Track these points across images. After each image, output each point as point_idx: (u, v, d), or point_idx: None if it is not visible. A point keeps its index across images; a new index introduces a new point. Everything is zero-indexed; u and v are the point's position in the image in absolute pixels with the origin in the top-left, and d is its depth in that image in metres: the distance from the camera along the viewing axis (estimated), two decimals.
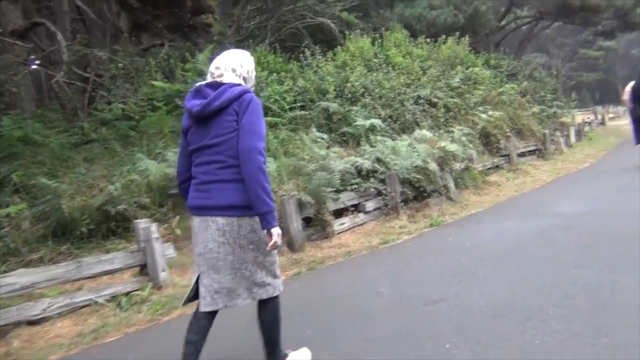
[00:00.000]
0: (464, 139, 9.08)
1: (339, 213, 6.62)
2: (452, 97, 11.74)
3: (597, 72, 59.14)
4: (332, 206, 6.34)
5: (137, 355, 3.40)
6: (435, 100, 11.17)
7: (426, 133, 9.00)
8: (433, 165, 7.55)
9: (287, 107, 9.42)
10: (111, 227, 5.83)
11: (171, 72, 10.26)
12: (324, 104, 9.65)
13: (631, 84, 10.10)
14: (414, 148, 7.98)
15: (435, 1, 16.78)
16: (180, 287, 4.67)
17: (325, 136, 8.44)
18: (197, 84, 2.65)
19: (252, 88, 2.73)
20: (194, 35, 8.01)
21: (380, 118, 9.63)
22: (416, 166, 7.35)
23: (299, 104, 9.81)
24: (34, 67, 12.15)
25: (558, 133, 14.36)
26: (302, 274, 4.89)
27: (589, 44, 54.24)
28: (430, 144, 8.47)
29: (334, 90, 10.08)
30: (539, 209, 6.78)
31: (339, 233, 6.35)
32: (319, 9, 17.37)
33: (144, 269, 4.70)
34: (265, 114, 9.11)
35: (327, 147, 8.09)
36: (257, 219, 2.51)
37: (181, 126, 2.70)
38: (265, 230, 2.52)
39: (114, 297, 4.43)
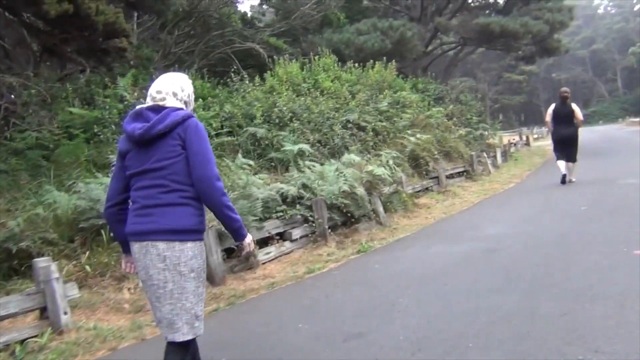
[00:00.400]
0: (391, 162, 9.05)
1: (264, 242, 6.37)
2: (380, 120, 11.81)
3: (521, 95, 62.04)
4: (256, 235, 6.07)
5: None
6: (363, 124, 11.18)
7: (354, 157, 8.92)
8: (361, 190, 7.44)
9: (213, 133, 9.14)
10: (13, 265, 5.33)
11: (91, 98, 9.79)
12: (251, 129, 9.46)
13: (552, 106, 10.61)
14: (342, 173, 7.85)
15: (362, 27, 17.01)
16: (85, 331, 4.27)
17: (251, 162, 8.19)
18: (138, 107, 2.59)
19: (193, 112, 2.69)
20: (108, 60, 7.60)
21: (309, 143, 9.51)
22: (343, 191, 7.21)
23: (225, 130, 9.58)
24: None
25: (484, 154, 14.69)
26: (220, 310, 4.58)
27: (512, 69, 56.85)
28: (358, 168, 8.38)
29: (262, 115, 9.91)
30: (465, 232, 6.76)
31: (264, 263, 6.09)
32: (247, 34, 17.26)
33: (44, 312, 4.27)
34: None
35: (255, 174, 7.87)
36: (199, 244, 2.49)
37: (118, 149, 2.63)
38: (204, 260, 2.54)
39: (7, 346, 3.98)
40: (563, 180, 10.20)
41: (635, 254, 4.74)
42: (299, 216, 6.78)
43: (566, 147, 10.25)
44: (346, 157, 8.97)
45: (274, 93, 11.35)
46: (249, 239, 2.62)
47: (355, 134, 10.84)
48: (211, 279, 5.31)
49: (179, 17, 16.86)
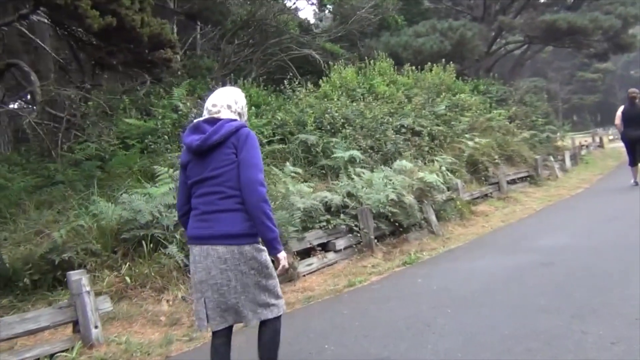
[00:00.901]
0: (444, 168, 8.67)
1: (306, 253, 6.20)
2: (437, 125, 11.41)
3: (596, 94, 59.03)
4: (296, 246, 5.93)
5: None
6: (419, 128, 10.82)
7: (406, 164, 8.62)
8: (409, 198, 7.14)
9: (264, 140, 9.09)
10: (57, 276, 5.42)
11: (148, 109, 10.00)
12: (302, 136, 9.34)
13: (621, 108, 10.49)
14: (390, 180, 7.59)
15: (421, 29, 16.59)
16: (116, 345, 4.24)
17: (300, 170, 8.08)
18: (195, 121, 2.80)
19: (246, 122, 2.88)
20: (156, 71, 7.70)
21: (360, 149, 9.30)
22: (391, 200, 6.94)
23: (277, 138, 9.52)
24: (11, 107, 11.95)
25: (551, 158, 13.93)
26: (248, 328, 4.43)
27: (585, 67, 54.21)
28: (409, 175, 8.08)
29: (314, 122, 9.79)
30: (521, 243, 6.34)
31: (305, 275, 5.92)
32: (304, 40, 17.22)
33: (76, 326, 4.28)
34: None
35: (304, 181, 7.77)
36: (256, 246, 2.68)
37: (180, 161, 2.85)
38: (266, 255, 2.72)
39: None
40: (635, 184, 10.01)
41: None
42: (343, 226, 6.57)
43: (636, 148, 9.99)
44: (397, 163, 8.68)
45: (327, 99, 11.24)
46: (283, 254, 2.71)
47: (409, 139, 10.51)
48: None
49: (237, 27, 17.07)
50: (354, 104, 10.95)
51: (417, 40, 16.06)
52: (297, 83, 12.12)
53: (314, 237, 6.21)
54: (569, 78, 59.15)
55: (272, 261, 2.78)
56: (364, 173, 8.04)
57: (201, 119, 2.78)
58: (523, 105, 15.29)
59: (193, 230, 2.72)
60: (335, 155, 8.87)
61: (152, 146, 8.44)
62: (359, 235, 6.62)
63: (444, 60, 14.67)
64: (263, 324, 2.78)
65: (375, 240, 6.74)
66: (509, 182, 11.33)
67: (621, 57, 64.78)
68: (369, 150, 9.44)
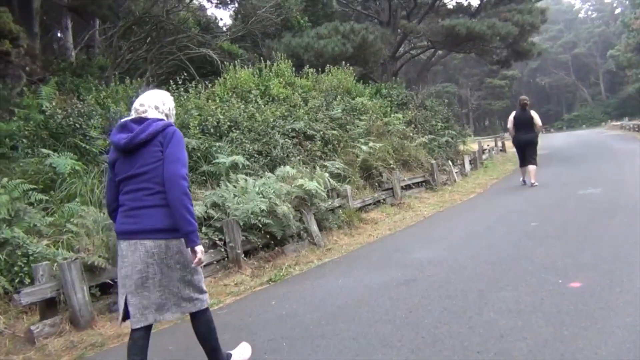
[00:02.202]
0: (326, 175, 8.22)
1: None
2: (332, 128, 11.00)
3: (503, 100, 61.54)
4: None
5: None
6: (311, 132, 10.36)
7: (289, 170, 8.13)
8: (283, 208, 6.60)
9: None
10: None
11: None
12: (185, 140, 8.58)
13: (513, 113, 11.32)
14: (266, 188, 7.04)
15: (323, 31, 16.23)
16: None
17: None
18: (122, 120, 2.88)
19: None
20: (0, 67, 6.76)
21: (247, 154, 8.71)
22: (262, 210, 6.38)
23: None
24: None
25: (450, 163, 13.92)
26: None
27: (494, 74, 56.41)
28: (290, 182, 7.57)
29: (199, 125, 9.09)
30: (394, 256, 5.96)
31: None
32: (203, 39, 16.45)
33: None
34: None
35: None
36: (183, 240, 2.73)
37: (108, 159, 2.91)
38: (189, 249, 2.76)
39: None
40: (524, 183, 11.24)
41: (570, 286, 3.97)
42: (205, 240, 5.93)
43: (526, 151, 10.98)
44: (281, 169, 8.18)
45: (217, 100, 10.60)
46: (200, 247, 2.76)
47: (300, 143, 10.04)
48: (75, 321, 4.46)
49: (129, 23, 16.03)
50: (245, 106, 10.35)
51: (319, 42, 15.69)
52: (194, 84, 11.36)
53: None
54: (478, 84, 61.43)
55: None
56: (245, 180, 7.46)
57: (128, 118, 2.87)
58: (423, 110, 15.24)
59: (121, 226, 2.79)
60: (216, 160, 8.23)
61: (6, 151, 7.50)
62: (223, 250, 6.00)
63: (343, 62, 14.37)
64: (194, 320, 2.92)
65: (243, 255, 6.15)
66: (404, 188, 11.11)
67: (527, 65, 68.37)
68: (255, 155, 8.88)
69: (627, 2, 57.68)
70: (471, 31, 16.94)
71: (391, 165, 11.11)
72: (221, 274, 5.97)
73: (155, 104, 2.90)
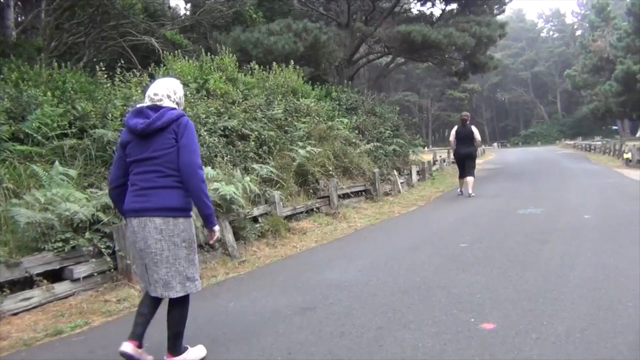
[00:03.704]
0: (247, 179, 7.54)
1: (28, 284, 4.73)
2: (271, 129, 10.30)
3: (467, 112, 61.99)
4: (4, 276, 4.45)
5: None
6: (246, 132, 9.63)
7: (208, 171, 7.40)
8: None
9: (50, 134, 7.45)
10: None
11: None
12: (99, 131, 7.75)
13: (455, 128, 12.14)
14: None
15: (275, 27, 15.53)
16: None
17: (73, 172, 6.57)
18: (138, 106, 3.09)
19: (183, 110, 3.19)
20: None
21: None
22: None
23: (74, 130, 7.88)
24: None
25: (396, 172, 13.42)
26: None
27: (455, 86, 56.72)
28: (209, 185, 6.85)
29: (121, 115, 8.26)
30: (305, 275, 5.31)
31: (18, 313, 4.46)
32: (149, 27, 15.51)
33: None
34: (22, 143, 6.97)
35: (89, 186, 6.41)
36: (189, 220, 3.02)
37: (120, 140, 3.13)
38: (194, 232, 3.08)
39: None
40: (461, 193, 11.92)
41: (482, 327, 3.39)
42: (90, 247, 5.16)
43: (465, 163, 11.70)
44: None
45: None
46: (217, 227, 3.14)
47: (233, 142, 9.31)
48: None
49: (67, 3, 14.98)
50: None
51: (270, 38, 14.98)
52: (131, 73, 10.44)
53: (37, 263, 4.74)
54: (439, 95, 61.78)
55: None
56: None
57: (144, 104, 3.05)
58: (373, 116, 14.71)
59: (132, 204, 2.98)
60: None
61: None
62: (109, 259, 5.24)
63: (292, 61, 13.71)
64: (174, 302, 3.01)
65: (134, 267, 5.39)
66: (342, 197, 10.53)
67: (488, 79, 69.26)
68: None
69: (587, 24, 59.08)
70: (427, 39, 16.52)
71: (330, 172, 10.51)
72: (106, 287, 5.20)
73: (167, 93, 3.07)
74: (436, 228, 7.77)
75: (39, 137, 7.37)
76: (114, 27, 15.15)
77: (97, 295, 5.01)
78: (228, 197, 6.60)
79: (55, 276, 4.98)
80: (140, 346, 2.98)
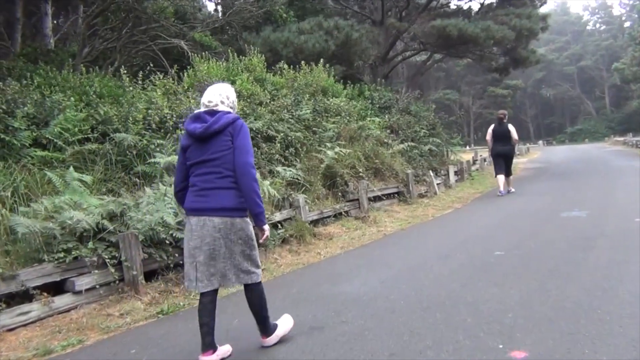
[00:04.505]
0: (266, 182, 7.18)
1: (27, 297, 4.47)
2: (299, 130, 9.93)
3: (506, 110, 60.34)
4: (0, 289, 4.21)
5: None
6: (272, 133, 9.28)
7: None
8: None
9: (71, 139, 7.31)
10: None
11: None
12: (118, 135, 7.56)
13: (492, 126, 11.92)
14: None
15: (306, 26, 15.17)
16: None
17: (88, 178, 6.37)
18: (196, 112, 3.27)
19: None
20: None
21: None
22: (167, 222, 5.33)
23: (96, 135, 7.73)
24: None
25: (432, 173, 12.86)
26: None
27: (497, 82, 55.17)
28: None
29: (144, 119, 8.07)
30: (322, 287, 4.90)
31: (14, 328, 4.21)
32: (179, 30, 15.40)
33: None
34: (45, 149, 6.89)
35: (109, 192, 6.25)
36: (245, 219, 3.18)
37: (181, 145, 3.30)
38: (253, 230, 3.26)
39: None
40: (500, 193, 11.42)
41: (512, 356, 2.91)
42: (94, 258, 4.88)
43: (503, 162, 11.53)
44: None
45: (176, 94, 9.57)
46: (267, 226, 3.32)
47: (257, 145, 8.97)
48: None
49: (99, 9, 15.01)
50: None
51: (300, 37, 14.64)
52: (163, 76, 10.29)
53: (36, 275, 4.47)
54: (481, 92, 60.28)
55: (256, 234, 3.25)
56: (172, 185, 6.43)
57: (201, 110, 3.25)
58: (407, 115, 14.17)
59: (192, 204, 3.18)
60: (153, 160, 7.22)
61: None
62: (114, 270, 4.94)
63: (322, 60, 13.31)
64: (248, 292, 3.29)
65: (142, 277, 5.10)
66: (372, 199, 10.05)
67: (532, 75, 67.32)
68: None
69: (636, 15, 56.61)
70: (463, 33, 15.83)
71: (360, 174, 10.06)
72: (111, 300, 4.91)
73: (221, 99, 3.23)
74: (470, 233, 7.23)
75: (60, 143, 7.23)
76: (144, 32, 15.09)
77: (100, 309, 4.73)
78: None
79: (57, 288, 4.73)
80: (214, 351, 3.19)
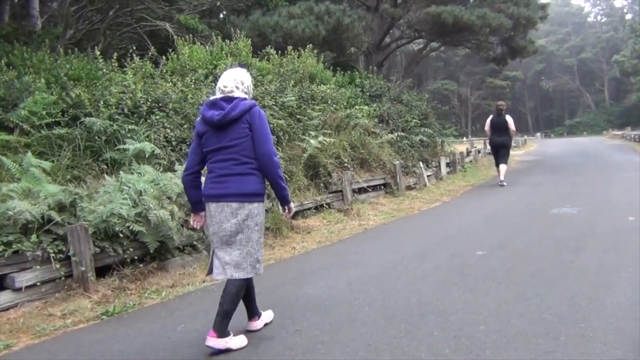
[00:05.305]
0: None
1: None
2: (282, 117, 9.50)
3: (504, 102, 59.83)
4: None
5: None
6: None
7: None
8: (159, 213, 5.14)
9: (38, 122, 6.90)
10: None
11: None
12: (88, 120, 7.12)
13: (490, 117, 12.25)
14: (153, 185, 5.61)
15: (296, 10, 14.65)
16: None
17: (46, 164, 5.97)
18: (212, 98, 3.26)
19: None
20: None
21: (165, 141, 7.33)
22: (122, 215, 4.92)
23: (67, 119, 7.31)
24: None
25: (421, 164, 12.45)
26: None
27: (496, 73, 54.70)
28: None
29: (117, 103, 7.64)
30: (282, 288, 4.51)
31: None
32: (163, 12, 14.88)
33: None
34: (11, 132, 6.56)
35: (73, 179, 5.86)
36: (262, 204, 3.21)
37: (196, 130, 3.29)
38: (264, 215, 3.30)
39: None
40: (500, 182, 11.65)
41: None
42: (38, 252, 4.47)
43: (499, 152, 11.95)
44: None
45: (153, 77, 9.14)
46: (292, 204, 3.44)
47: None
48: None
49: None
50: (174, 85, 8.88)
51: (290, 22, 14.14)
52: (143, 59, 9.83)
53: None
54: (479, 83, 59.78)
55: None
56: (138, 173, 6.07)
57: (217, 96, 3.22)
58: (399, 104, 13.72)
59: (210, 190, 3.18)
60: (123, 146, 6.83)
61: None
62: (59, 266, 4.54)
63: (310, 45, 12.83)
64: (232, 281, 3.15)
65: (92, 273, 4.69)
66: (358, 191, 9.66)
67: (531, 66, 66.77)
68: (174, 143, 7.45)
69: (637, 7, 56.01)
70: (458, 20, 15.32)
71: (345, 164, 9.65)
72: (58, 298, 4.52)
73: (236, 84, 3.22)
74: (454, 229, 6.84)
75: (26, 127, 6.82)
76: (129, 13, 14.58)
77: (42, 308, 4.33)
78: None
79: None
80: (256, 319, 3.42)
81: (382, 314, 3.57)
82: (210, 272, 3.26)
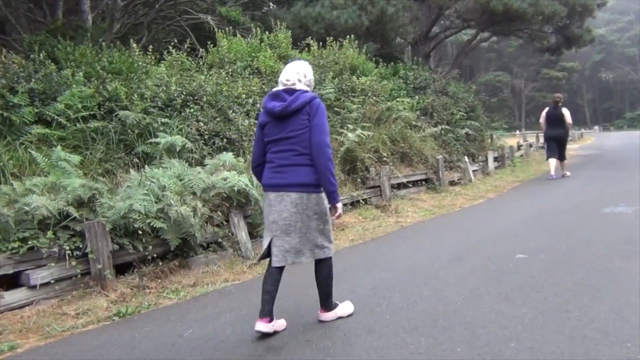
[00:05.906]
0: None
1: None
2: None
3: (560, 93, 57.64)
4: None
5: None
6: None
7: (229, 157, 6.53)
8: (179, 209, 4.97)
9: (73, 116, 6.90)
10: None
11: None
12: (122, 113, 7.09)
13: (546, 109, 12.05)
14: (177, 181, 5.47)
15: (338, 0, 14.33)
16: None
17: (76, 158, 5.91)
18: (275, 89, 3.33)
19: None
20: None
21: (198, 134, 7.24)
22: (140, 212, 4.77)
23: (103, 112, 7.30)
24: None
25: (466, 159, 11.95)
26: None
27: (552, 64, 52.67)
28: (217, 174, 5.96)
29: (152, 96, 7.58)
30: (307, 291, 4.25)
31: None
32: (206, 5, 14.87)
33: None
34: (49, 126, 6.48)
35: (102, 174, 5.86)
36: (321, 195, 3.27)
37: (259, 122, 3.40)
38: (327, 205, 3.32)
39: None
40: (552, 177, 11.44)
41: None
42: (55, 249, 4.38)
43: (555, 146, 11.66)
44: (219, 157, 6.59)
45: (190, 70, 9.07)
46: (340, 204, 3.35)
47: None
48: None
49: None
50: (208, 77, 8.77)
51: (332, 12, 13.83)
52: (184, 51, 9.81)
53: None
54: (534, 75, 57.76)
55: (330, 209, 3.32)
56: (170, 167, 5.97)
57: (280, 88, 3.29)
58: (444, 96, 13.21)
59: (270, 180, 3.28)
60: (155, 140, 6.75)
61: None
62: (75, 263, 4.43)
63: (352, 36, 12.49)
64: (318, 264, 3.36)
65: (109, 271, 4.56)
66: (397, 186, 9.31)
67: (590, 57, 64.11)
68: (207, 137, 7.34)
69: None
70: (509, 8, 14.62)
71: (384, 159, 9.30)
72: (74, 295, 4.41)
73: (298, 77, 3.29)
74: (495, 229, 6.42)
75: (62, 120, 6.81)
76: (173, 6, 14.62)
77: (58, 306, 4.23)
78: (236, 188, 5.66)
79: (14, 282, 4.26)
80: (271, 320, 3.23)
81: (404, 325, 3.26)
82: (263, 257, 3.34)
